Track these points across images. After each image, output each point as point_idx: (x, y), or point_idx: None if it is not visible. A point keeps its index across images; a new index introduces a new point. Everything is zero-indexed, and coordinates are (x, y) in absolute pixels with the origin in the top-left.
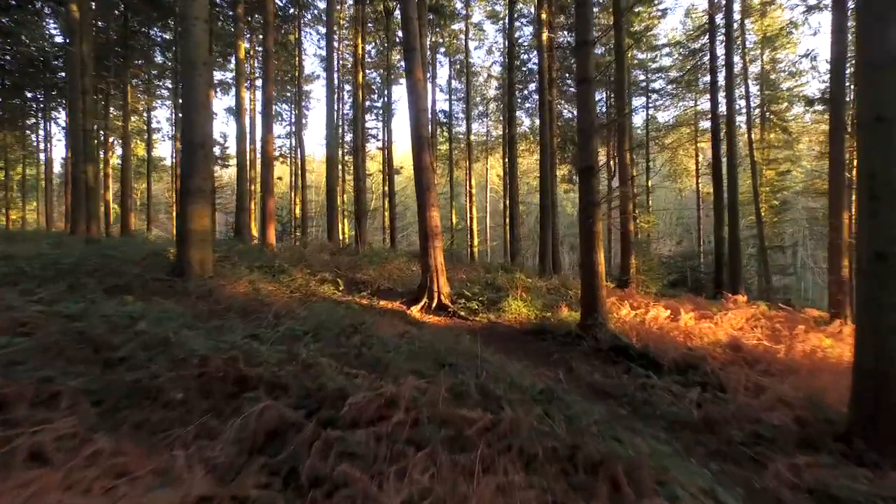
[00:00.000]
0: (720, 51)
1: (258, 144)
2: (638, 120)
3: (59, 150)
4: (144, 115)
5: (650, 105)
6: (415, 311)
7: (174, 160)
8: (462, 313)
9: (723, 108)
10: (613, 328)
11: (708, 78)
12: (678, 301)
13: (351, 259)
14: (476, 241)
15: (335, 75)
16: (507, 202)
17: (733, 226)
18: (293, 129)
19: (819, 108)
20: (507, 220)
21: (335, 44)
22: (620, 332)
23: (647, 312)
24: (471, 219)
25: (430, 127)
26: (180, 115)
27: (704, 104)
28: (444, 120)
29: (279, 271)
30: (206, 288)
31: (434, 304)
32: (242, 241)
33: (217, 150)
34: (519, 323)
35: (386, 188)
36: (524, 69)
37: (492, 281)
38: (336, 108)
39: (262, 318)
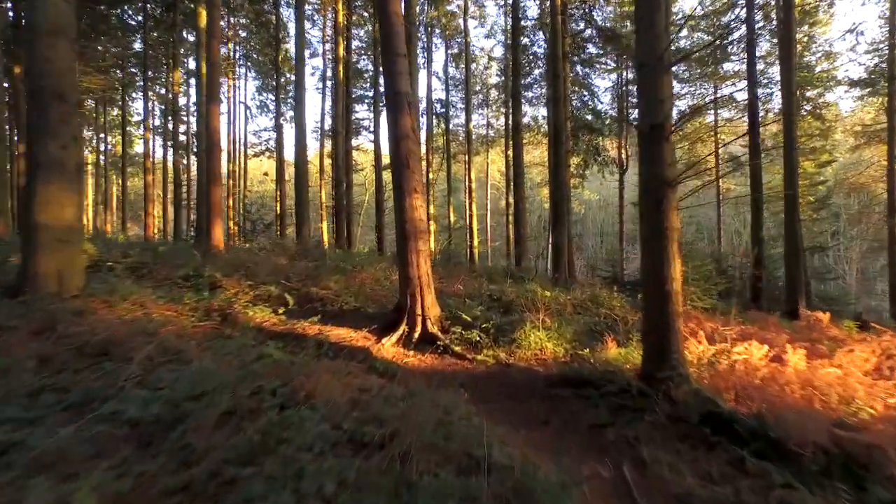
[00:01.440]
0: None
1: (234, 133)
2: None
3: None
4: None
5: None
6: (387, 345)
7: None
8: (457, 349)
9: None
10: (696, 381)
11: (735, 60)
12: (760, 325)
13: (313, 265)
14: (476, 242)
15: (312, 43)
16: (511, 199)
17: (791, 225)
18: (276, 119)
19: (859, 91)
20: (512, 216)
21: (312, 15)
22: (707, 385)
23: (731, 348)
24: (470, 216)
25: (411, 81)
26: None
27: (723, 91)
28: (441, 110)
29: (205, 284)
30: (55, 315)
31: (417, 335)
32: (201, 241)
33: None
34: (542, 364)
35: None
36: (529, 54)
37: (498, 295)
38: (322, 96)
39: (119, 371)
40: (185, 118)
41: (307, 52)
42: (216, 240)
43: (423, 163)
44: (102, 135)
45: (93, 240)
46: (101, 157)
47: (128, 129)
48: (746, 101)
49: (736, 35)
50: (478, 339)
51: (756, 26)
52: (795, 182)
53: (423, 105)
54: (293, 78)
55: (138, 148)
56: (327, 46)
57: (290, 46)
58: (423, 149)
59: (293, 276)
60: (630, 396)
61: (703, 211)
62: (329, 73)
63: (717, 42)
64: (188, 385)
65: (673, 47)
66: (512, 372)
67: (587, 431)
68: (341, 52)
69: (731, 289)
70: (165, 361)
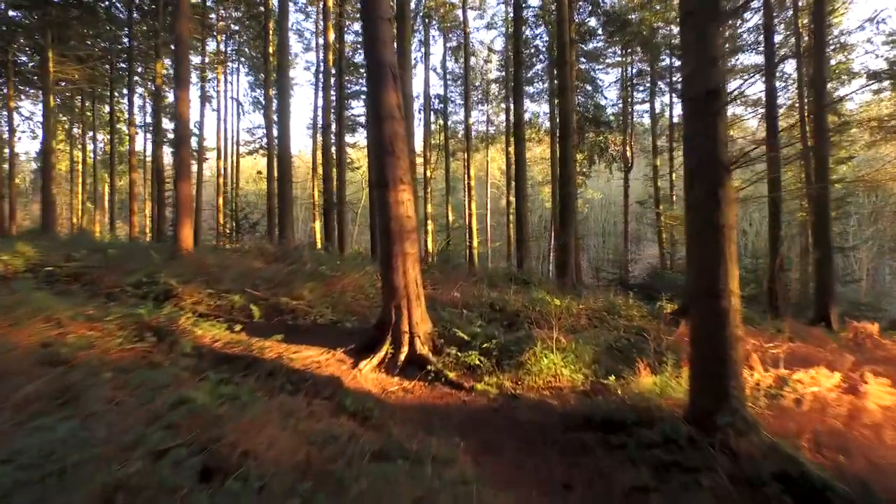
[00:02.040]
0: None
1: (225, 130)
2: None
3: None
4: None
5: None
6: (366, 370)
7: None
8: (451, 375)
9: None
10: (764, 428)
11: (748, 51)
12: (808, 341)
13: (289, 270)
14: (476, 242)
15: (306, 37)
16: (512, 197)
17: (822, 225)
18: (269, 115)
19: (877, 85)
20: (513, 214)
21: (305, 6)
22: (773, 428)
23: (791, 375)
24: (469, 216)
25: (395, 48)
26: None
27: (731, 85)
28: (439, 106)
29: (158, 293)
30: None
31: (402, 357)
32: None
33: (193, 142)
34: (557, 396)
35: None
36: (531, 47)
37: (501, 305)
38: (315, 91)
39: None
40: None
41: (301, 46)
42: (185, 240)
43: (420, 160)
44: (91, 132)
45: (44, 239)
46: (93, 156)
47: (117, 126)
48: (760, 94)
49: (751, 22)
50: (477, 362)
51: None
52: (826, 177)
53: (420, 101)
54: (290, 76)
55: (126, 146)
56: (321, 40)
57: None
58: (420, 145)
59: (262, 283)
60: (677, 448)
61: None
62: (319, 65)
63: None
64: (52, 453)
65: (671, 61)
66: (520, 407)
67: (624, 501)
68: (331, 38)
69: (756, 295)
70: (57, 406)
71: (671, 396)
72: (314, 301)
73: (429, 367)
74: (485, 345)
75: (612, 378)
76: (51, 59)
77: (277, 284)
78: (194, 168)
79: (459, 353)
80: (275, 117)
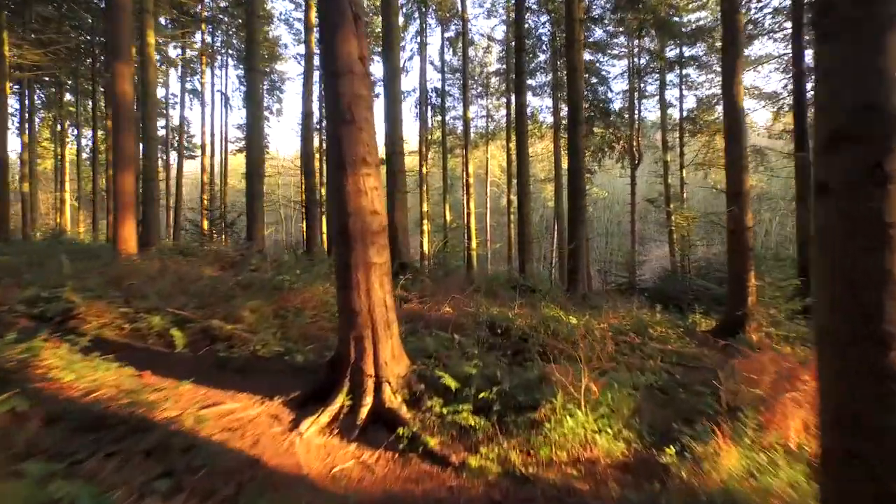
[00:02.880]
0: None
1: (211, 125)
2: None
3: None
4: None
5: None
6: (310, 433)
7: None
8: (433, 443)
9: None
10: None
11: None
12: None
13: (237, 280)
14: (475, 243)
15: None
16: (514, 196)
17: None
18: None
19: None
20: (514, 213)
21: None
22: None
23: None
24: (468, 215)
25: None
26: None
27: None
28: (436, 100)
29: (56, 313)
30: None
31: (364, 412)
32: (147, 241)
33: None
34: (589, 477)
35: None
36: (534, 37)
37: (504, 325)
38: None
39: None
40: (163, 111)
41: (291, 38)
42: (126, 242)
43: (416, 156)
44: (75, 129)
45: None
46: (77, 154)
47: (103, 121)
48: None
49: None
50: (472, 423)
51: None
52: None
53: (416, 94)
54: (277, 66)
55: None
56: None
57: (270, 30)
58: (416, 140)
59: (196, 299)
60: None
61: (699, 204)
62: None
63: None
64: None
65: (682, 51)
66: (535, 498)
67: None
68: (312, 18)
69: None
70: None
71: (775, 491)
72: (257, 324)
73: (401, 430)
74: (482, 394)
75: (671, 450)
76: (6, 42)
77: (217, 300)
78: (174, 161)
79: (445, 409)
80: (269, 115)
